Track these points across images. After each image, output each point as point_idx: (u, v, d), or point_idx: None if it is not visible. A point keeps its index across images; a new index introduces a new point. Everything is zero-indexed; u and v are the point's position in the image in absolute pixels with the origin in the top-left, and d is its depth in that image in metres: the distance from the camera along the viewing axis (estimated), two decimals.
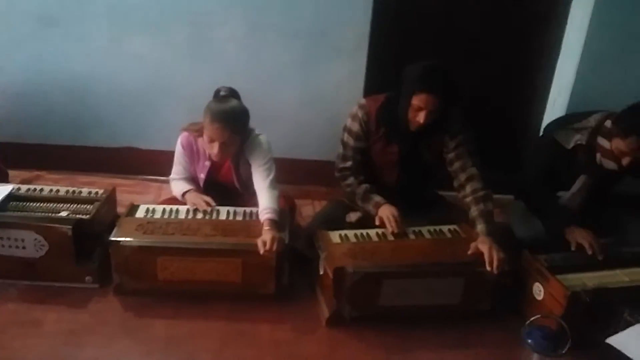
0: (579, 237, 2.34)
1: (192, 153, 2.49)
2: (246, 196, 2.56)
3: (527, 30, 3.04)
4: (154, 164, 3.16)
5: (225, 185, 2.56)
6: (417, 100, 2.25)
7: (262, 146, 2.43)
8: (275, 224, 2.25)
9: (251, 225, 2.29)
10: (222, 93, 2.37)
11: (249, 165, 2.45)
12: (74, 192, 2.48)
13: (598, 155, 2.40)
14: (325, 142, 3.10)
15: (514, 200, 2.76)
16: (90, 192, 2.48)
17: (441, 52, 2.94)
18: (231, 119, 2.26)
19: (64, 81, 3.04)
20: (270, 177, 2.39)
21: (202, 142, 2.39)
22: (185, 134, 2.48)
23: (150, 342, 2.05)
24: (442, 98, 2.24)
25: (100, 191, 2.50)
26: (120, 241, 2.16)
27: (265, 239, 2.14)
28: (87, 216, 2.28)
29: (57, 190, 2.48)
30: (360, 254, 2.18)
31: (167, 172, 3.05)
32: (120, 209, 2.52)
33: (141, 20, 2.91)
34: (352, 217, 2.56)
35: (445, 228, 2.41)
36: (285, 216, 2.36)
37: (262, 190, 2.36)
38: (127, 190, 2.97)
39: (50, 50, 2.97)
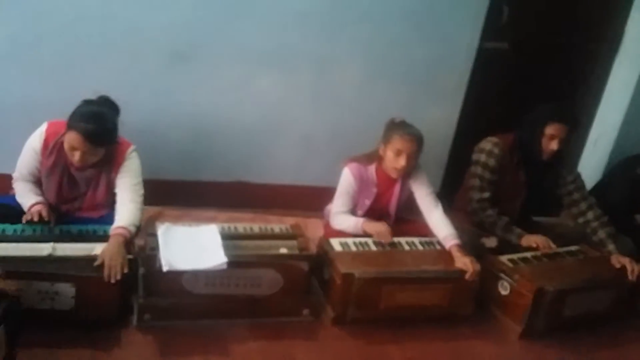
0: None
1: (362, 181, 2.70)
2: (391, 222, 2.79)
3: (572, 75, 3.66)
4: (265, 198, 3.27)
5: (380, 211, 2.79)
6: (550, 130, 2.73)
7: (426, 176, 2.75)
8: (463, 248, 2.56)
9: (443, 253, 2.57)
10: (398, 120, 2.69)
11: (410, 193, 2.74)
12: (266, 229, 2.55)
13: None
14: None
15: None
16: (281, 228, 2.57)
17: (518, 95, 3.46)
18: (419, 136, 2.62)
19: (184, 117, 3.03)
20: (439, 204, 2.70)
21: (372, 169, 2.70)
22: (354, 164, 2.71)
23: None
24: (570, 128, 2.75)
25: (288, 226, 2.60)
26: (354, 273, 2.32)
27: (466, 264, 2.45)
28: (307, 252, 2.40)
29: (251, 228, 2.54)
30: (548, 274, 2.56)
31: (278, 205, 3.23)
32: None
33: (270, 62, 3.03)
34: (490, 242, 2.93)
35: (572, 249, 2.88)
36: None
37: (435, 216, 2.66)
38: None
39: (176, 87, 2.96)
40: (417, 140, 2.60)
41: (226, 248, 2.24)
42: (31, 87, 2.82)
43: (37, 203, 2.34)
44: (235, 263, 2.18)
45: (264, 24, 2.96)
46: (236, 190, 3.24)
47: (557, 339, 2.54)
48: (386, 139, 2.64)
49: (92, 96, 2.37)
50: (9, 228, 2.25)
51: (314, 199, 3.11)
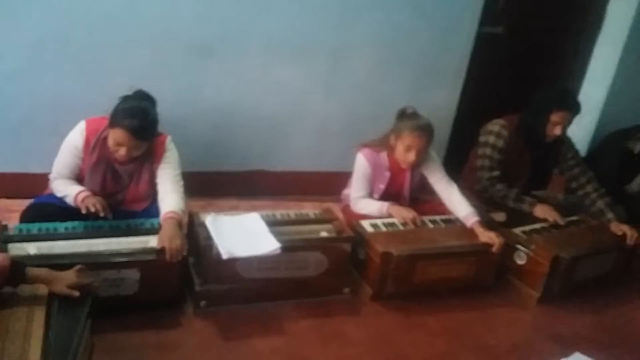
0: None
1: (376, 166, 2.85)
2: (406, 204, 2.95)
3: (559, 55, 3.90)
4: (283, 185, 3.39)
5: (395, 194, 2.94)
6: (556, 117, 2.94)
7: (438, 160, 2.91)
8: (483, 223, 2.76)
9: (464, 228, 2.76)
10: (409, 111, 2.79)
11: (422, 177, 2.91)
12: (302, 214, 2.69)
13: None
14: None
15: None
16: (315, 213, 2.71)
17: (511, 76, 3.69)
18: (429, 129, 2.74)
19: (207, 110, 3.12)
20: (454, 184, 2.87)
21: (384, 155, 2.83)
22: (366, 150, 2.84)
23: (440, 334, 2.44)
24: (574, 114, 2.98)
25: (320, 211, 2.74)
26: (392, 252, 2.49)
27: (491, 237, 2.65)
28: (348, 234, 2.55)
29: (288, 214, 2.66)
30: (560, 243, 2.78)
31: (295, 191, 3.36)
32: None
33: (290, 52, 3.15)
34: (499, 217, 3.16)
35: (574, 219, 3.12)
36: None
37: (454, 197, 2.83)
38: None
39: (200, 80, 3.05)
40: (426, 134, 2.71)
41: (272, 234, 2.37)
42: (60, 87, 2.86)
43: (82, 191, 2.37)
44: (285, 248, 2.30)
45: (282, 17, 3.06)
46: (255, 179, 3.36)
47: (569, 302, 2.78)
48: (397, 132, 2.74)
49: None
50: (59, 226, 2.30)
51: (330, 184, 3.27)
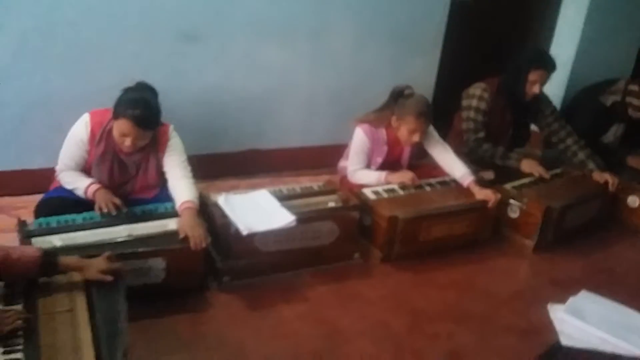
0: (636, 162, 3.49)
1: (375, 141, 2.96)
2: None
3: (526, 19, 4.08)
4: (278, 161, 3.48)
5: (392, 164, 3.06)
6: (534, 76, 3.11)
7: (431, 124, 3.02)
8: (478, 182, 2.92)
9: (460, 188, 2.91)
10: (407, 92, 2.90)
11: (420, 148, 3.04)
12: (306, 187, 2.79)
13: (630, 110, 3.58)
14: None
15: None
16: (319, 186, 2.82)
17: (483, 42, 3.84)
18: (430, 110, 2.86)
19: (197, 95, 3.15)
20: (449, 147, 3.01)
21: (382, 131, 2.94)
22: (365, 125, 2.93)
23: (449, 287, 2.58)
24: (551, 72, 3.14)
25: (322, 184, 2.85)
26: (398, 216, 2.61)
27: (487, 194, 2.81)
28: (355, 203, 2.65)
29: (294, 189, 2.76)
30: (549, 195, 2.97)
31: (290, 167, 3.46)
32: None
33: (273, 34, 3.20)
34: (487, 175, 3.32)
35: (558, 171, 3.31)
36: None
37: (449, 159, 2.97)
38: None
39: (188, 65, 3.07)
40: (430, 117, 2.83)
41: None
42: (48, 81, 2.84)
43: (92, 183, 2.41)
44: (300, 219, 2.40)
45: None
46: (249, 158, 3.42)
47: (562, 248, 2.96)
48: (400, 116, 2.83)
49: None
50: (77, 217, 2.34)
51: (321, 158, 3.40)
